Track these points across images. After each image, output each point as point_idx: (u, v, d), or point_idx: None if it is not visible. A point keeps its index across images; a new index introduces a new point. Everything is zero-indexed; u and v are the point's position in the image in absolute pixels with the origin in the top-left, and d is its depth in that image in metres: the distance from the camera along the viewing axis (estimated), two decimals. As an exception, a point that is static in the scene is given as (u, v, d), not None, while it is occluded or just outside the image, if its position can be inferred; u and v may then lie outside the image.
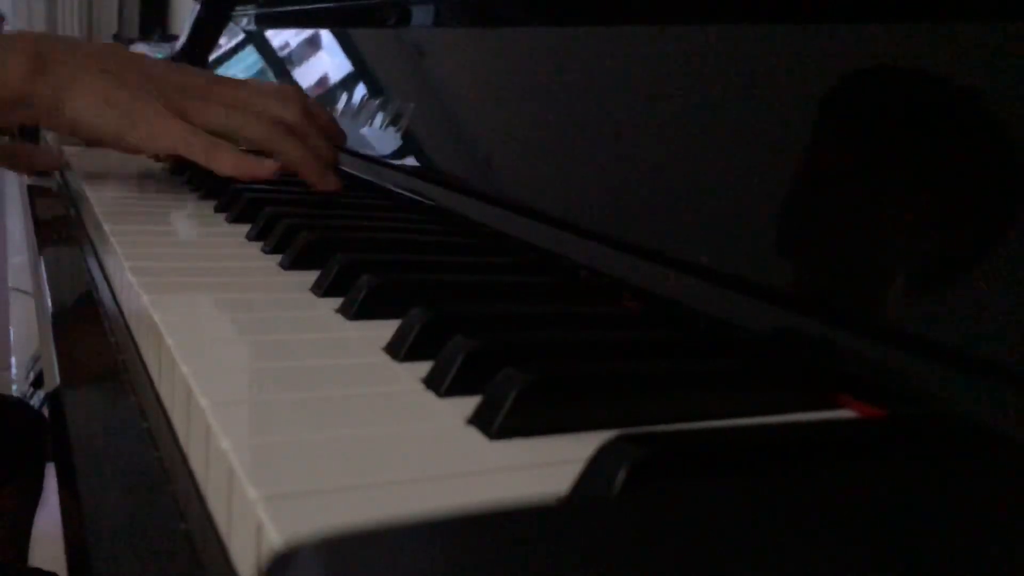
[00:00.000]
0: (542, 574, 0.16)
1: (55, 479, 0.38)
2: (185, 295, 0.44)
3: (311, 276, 0.46)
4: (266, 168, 0.67)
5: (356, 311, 0.40)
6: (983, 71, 0.32)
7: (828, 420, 0.31)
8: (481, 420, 0.29)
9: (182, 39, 1.44)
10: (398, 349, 0.35)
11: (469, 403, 0.30)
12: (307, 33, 1.03)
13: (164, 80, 0.70)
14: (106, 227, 0.56)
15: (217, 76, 0.78)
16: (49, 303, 0.54)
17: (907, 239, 0.32)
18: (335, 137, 0.75)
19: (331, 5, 1.00)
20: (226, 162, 0.67)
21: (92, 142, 0.76)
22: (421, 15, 0.78)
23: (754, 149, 0.39)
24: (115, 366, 0.42)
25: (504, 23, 0.65)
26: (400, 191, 0.67)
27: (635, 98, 0.48)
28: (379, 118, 0.75)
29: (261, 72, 1.15)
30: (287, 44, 1.08)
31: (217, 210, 0.67)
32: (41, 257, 0.64)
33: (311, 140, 0.71)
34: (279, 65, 1.09)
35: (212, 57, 1.37)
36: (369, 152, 0.74)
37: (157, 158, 0.89)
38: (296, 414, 0.29)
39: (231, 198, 0.66)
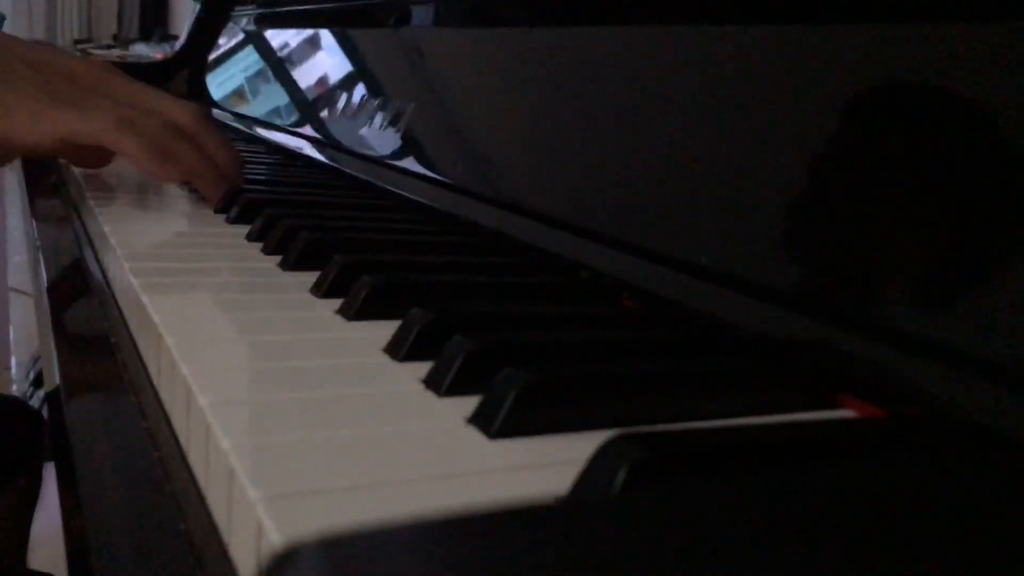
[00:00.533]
0: (542, 574, 0.16)
1: (54, 479, 0.38)
2: (185, 295, 0.44)
3: (311, 277, 0.46)
4: (169, 174, 0.63)
5: (356, 311, 0.40)
6: (982, 72, 0.32)
7: (828, 420, 0.31)
8: (481, 420, 0.29)
9: (182, 39, 1.44)
10: (398, 349, 0.35)
11: (469, 403, 0.30)
12: (307, 33, 1.03)
13: (48, 68, 0.64)
14: (105, 228, 0.56)
15: (110, 66, 0.71)
16: (49, 303, 0.54)
17: (907, 238, 0.32)
18: (230, 159, 0.70)
19: (331, 5, 1.00)
20: (132, 144, 0.62)
21: None
22: (421, 15, 0.78)
23: (754, 149, 0.39)
24: (115, 366, 0.42)
25: (504, 23, 0.65)
26: (400, 191, 0.67)
27: (635, 98, 0.48)
28: (379, 118, 0.75)
29: (261, 73, 1.15)
30: (287, 44, 1.08)
31: (217, 211, 0.67)
32: (41, 257, 0.64)
33: (208, 148, 0.67)
34: (279, 65, 1.09)
35: (212, 57, 1.37)
36: (369, 152, 0.74)
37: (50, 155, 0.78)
38: (296, 414, 0.29)
39: (231, 199, 0.66)
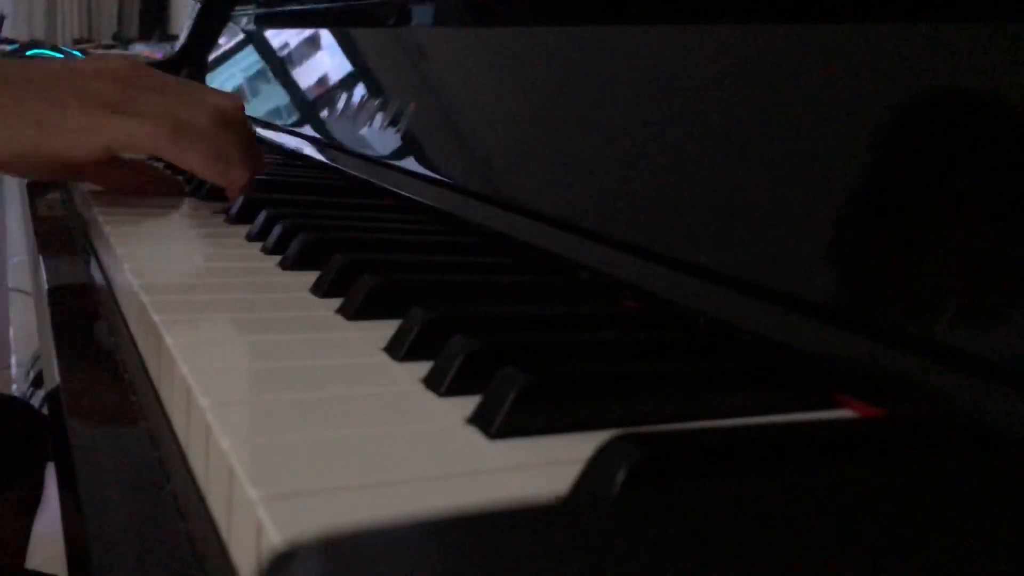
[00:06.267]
0: (542, 574, 0.16)
1: (54, 479, 0.38)
2: (185, 295, 0.44)
3: (311, 276, 0.46)
4: (231, 181, 0.62)
5: (356, 311, 0.40)
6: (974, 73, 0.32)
7: (828, 420, 0.31)
8: (481, 420, 0.29)
9: (182, 39, 1.44)
10: (398, 349, 0.35)
11: (469, 403, 0.30)
12: (307, 33, 1.03)
13: (85, 75, 0.60)
14: (105, 228, 0.56)
15: (142, 63, 0.67)
16: (48, 303, 0.54)
17: (907, 238, 0.32)
18: (261, 155, 0.68)
19: (331, 5, 1.00)
20: (191, 155, 0.59)
21: (15, 169, 0.65)
22: (421, 15, 0.78)
23: (754, 149, 0.39)
24: (115, 366, 0.42)
25: (504, 23, 0.65)
26: (400, 191, 0.67)
27: (635, 98, 0.48)
28: (379, 118, 0.75)
29: (261, 73, 1.15)
30: (287, 44, 1.08)
31: (217, 211, 0.67)
32: (41, 257, 0.64)
33: (249, 140, 0.65)
34: (279, 65, 1.09)
35: (212, 57, 1.37)
36: (369, 152, 0.74)
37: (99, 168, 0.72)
38: (296, 414, 0.29)
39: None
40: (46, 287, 0.57)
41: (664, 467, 0.23)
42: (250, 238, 0.57)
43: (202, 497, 0.28)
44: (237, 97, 0.67)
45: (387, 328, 0.37)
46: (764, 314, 0.35)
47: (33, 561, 0.85)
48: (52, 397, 0.44)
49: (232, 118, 0.63)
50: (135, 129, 0.58)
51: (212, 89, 0.67)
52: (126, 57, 0.67)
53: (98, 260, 0.58)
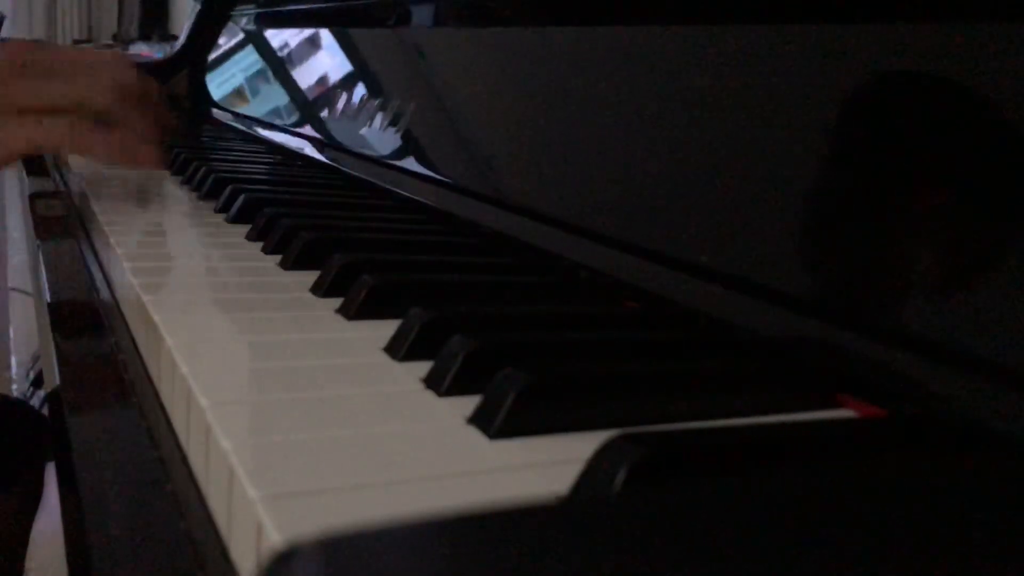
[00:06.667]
0: (542, 574, 0.16)
1: (54, 480, 0.38)
2: (185, 295, 0.44)
3: (311, 276, 0.46)
4: (152, 158, 0.62)
5: (356, 311, 0.40)
6: (986, 72, 0.32)
7: (828, 420, 0.31)
8: (481, 420, 0.29)
9: (182, 39, 1.44)
10: (398, 349, 0.35)
11: (469, 403, 0.30)
12: (307, 33, 1.03)
13: None
14: (106, 228, 0.56)
15: (35, 45, 0.66)
16: (48, 303, 0.54)
17: (907, 239, 0.32)
18: (168, 116, 0.68)
19: (331, 5, 1.00)
20: (100, 146, 0.60)
21: None
22: (421, 15, 0.78)
23: (754, 149, 0.39)
24: (115, 366, 0.42)
25: (504, 23, 0.65)
26: (400, 191, 0.67)
27: (635, 98, 0.48)
28: (379, 118, 0.75)
29: (261, 73, 1.15)
30: (287, 44, 1.08)
31: (217, 210, 0.67)
32: (41, 257, 0.64)
33: (154, 105, 0.66)
34: (279, 65, 1.09)
35: (212, 57, 1.37)
36: (369, 152, 0.74)
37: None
38: (296, 414, 0.29)
39: (230, 198, 0.66)
40: (46, 287, 0.57)
41: (664, 467, 0.23)
42: (250, 237, 0.57)
43: (202, 497, 0.28)
44: (125, 60, 0.66)
45: (387, 328, 0.37)
46: (764, 314, 0.35)
47: (33, 561, 0.85)
48: (52, 397, 0.44)
49: (129, 85, 0.64)
50: (47, 132, 0.59)
51: (102, 58, 0.65)
52: (13, 40, 0.66)
53: (98, 260, 0.58)
